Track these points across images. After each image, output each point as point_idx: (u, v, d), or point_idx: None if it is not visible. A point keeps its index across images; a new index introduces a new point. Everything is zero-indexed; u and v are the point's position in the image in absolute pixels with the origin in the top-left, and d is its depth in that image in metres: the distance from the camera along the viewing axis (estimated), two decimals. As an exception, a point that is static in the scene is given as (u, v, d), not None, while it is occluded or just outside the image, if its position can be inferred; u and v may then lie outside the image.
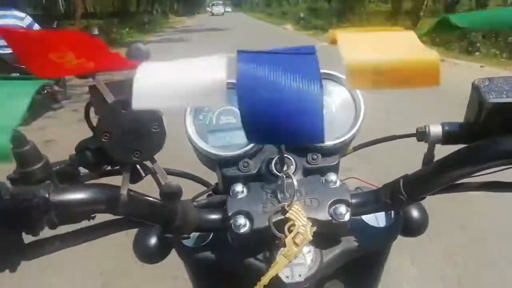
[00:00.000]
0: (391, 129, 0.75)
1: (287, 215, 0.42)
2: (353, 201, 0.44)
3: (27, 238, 0.33)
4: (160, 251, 0.53)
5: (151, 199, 0.38)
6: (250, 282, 0.42)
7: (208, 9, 51.64)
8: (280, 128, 0.30)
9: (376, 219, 0.50)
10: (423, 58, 0.30)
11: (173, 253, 0.53)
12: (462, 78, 2.21)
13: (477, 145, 0.37)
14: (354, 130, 0.52)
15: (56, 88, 4.75)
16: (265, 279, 0.41)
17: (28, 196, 0.30)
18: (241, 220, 0.43)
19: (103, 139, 0.34)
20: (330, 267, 0.46)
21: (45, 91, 4.48)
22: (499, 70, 6.19)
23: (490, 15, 0.39)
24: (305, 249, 0.43)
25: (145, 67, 0.31)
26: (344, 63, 0.29)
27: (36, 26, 4.39)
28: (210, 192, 0.58)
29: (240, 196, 0.46)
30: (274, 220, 0.42)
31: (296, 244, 0.41)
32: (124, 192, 0.34)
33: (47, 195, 0.30)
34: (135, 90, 0.28)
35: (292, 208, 0.42)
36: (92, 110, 0.36)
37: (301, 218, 0.42)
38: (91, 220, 0.37)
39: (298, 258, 0.43)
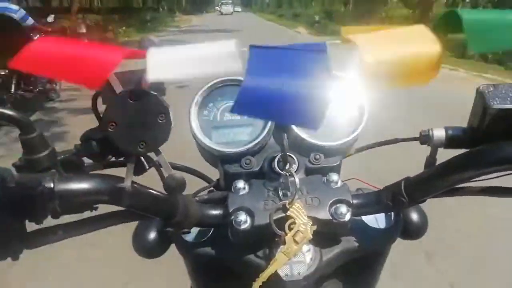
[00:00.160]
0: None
1: (288, 213, 0.42)
2: (354, 201, 0.44)
3: (30, 227, 0.33)
4: (159, 246, 0.53)
5: (154, 191, 0.38)
6: (249, 279, 0.42)
7: (217, 8, 52.11)
8: (276, 107, 0.30)
9: (376, 221, 0.50)
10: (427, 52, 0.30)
11: (172, 248, 0.54)
12: None
13: (480, 150, 0.37)
14: (357, 132, 0.52)
15: (49, 86, 4.75)
16: (264, 276, 0.41)
17: (33, 183, 0.30)
18: (242, 216, 0.43)
19: (109, 129, 0.34)
20: (329, 266, 0.46)
21: (37, 90, 4.48)
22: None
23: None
24: (305, 247, 0.43)
25: (157, 48, 0.31)
26: (362, 63, 0.29)
27: (30, 20, 4.41)
28: (211, 188, 0.58)
29: (241, 192, 0.46)
30: (275, 217, 0.42)
31: (296, 242, 0.41)
32: (127, 183, 0.34)
33: (52, 184, 0.30)
34: (149, 64, 0.29)
35: (293, 206, 0.42)
36: (99, 100, 0.37)
37: (301, 217, 0.42)
38: (94, 211, 0.37)
39: (298, 256, 0.43)
